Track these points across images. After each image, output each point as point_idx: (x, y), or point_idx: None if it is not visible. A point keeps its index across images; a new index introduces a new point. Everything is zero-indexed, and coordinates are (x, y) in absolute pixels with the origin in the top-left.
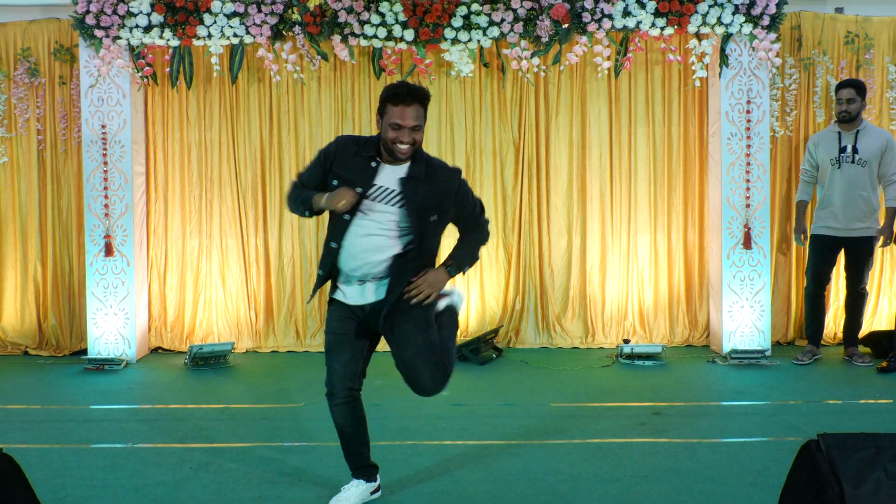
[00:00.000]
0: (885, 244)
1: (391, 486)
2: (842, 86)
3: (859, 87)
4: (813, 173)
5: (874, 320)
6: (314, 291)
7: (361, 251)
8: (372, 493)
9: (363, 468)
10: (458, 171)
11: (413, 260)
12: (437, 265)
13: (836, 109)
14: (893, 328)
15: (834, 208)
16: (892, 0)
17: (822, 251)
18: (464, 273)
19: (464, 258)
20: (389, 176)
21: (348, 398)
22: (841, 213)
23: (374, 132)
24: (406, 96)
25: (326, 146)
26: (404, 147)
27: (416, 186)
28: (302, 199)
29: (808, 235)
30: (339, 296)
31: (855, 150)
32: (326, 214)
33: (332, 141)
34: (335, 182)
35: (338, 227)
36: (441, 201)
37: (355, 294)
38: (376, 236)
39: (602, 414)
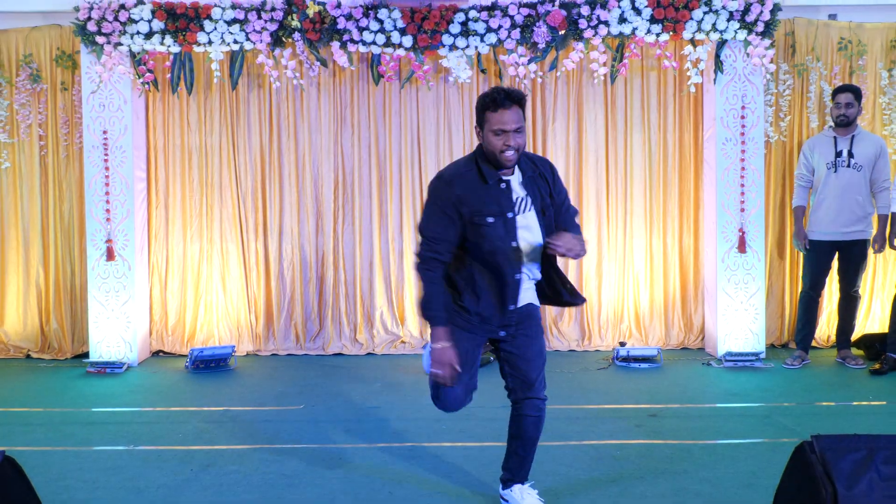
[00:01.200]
0: (879, 250)
1: (391, 486)
2: (840, 90)
3: (857, 93)
4: (809, 177)
5: (867, 323)
6: (505, 329)
7: (530, 264)
8: None
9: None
10: (547, 161)
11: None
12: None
13: (834, 113)
14: (887, 331)
15: (829, 212)
16: (884, 7)
17: (818, 256)
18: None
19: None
20: (516, 184)
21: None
22: (835, 216)
23: (374, 137)
24: (504, 100)
25: (440, 192)
26: (510, 154)
27: (534, 181)
28: (435, 314)
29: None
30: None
31: (851, 155)
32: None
33: (441, 184)
34: (490, 220)
35: (511, 258)
36: (548, 190)
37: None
38: (536, 247)
39: (598, 416)
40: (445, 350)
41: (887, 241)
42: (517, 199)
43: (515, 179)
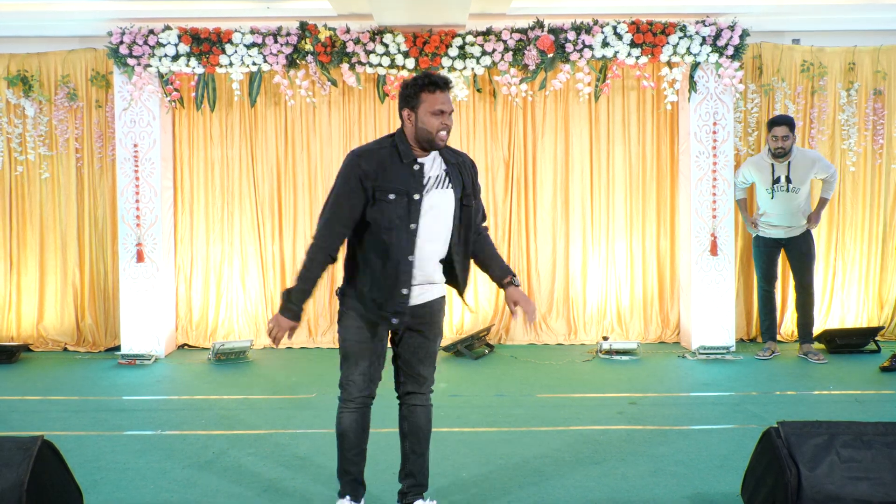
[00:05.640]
0: (811, 226)
1: (394, 468)
2: (776, 123)
3: (791, 124)
4: (746, 184)
5: (827, 319)
6: (398, 317)
7: (428, 255)
8: None
9: (355, 483)
10: (468, 156)
11: (463, 250)
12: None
13: (772, 146)
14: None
15: (771, 220)
16: (843, 33)
17: (766, 251)
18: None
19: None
20: (432, 165)
21: (362, 405)
22: (777, 223)
23: None
24: (443, 84)
25: (352, 168)
26: (445, 133)
27: (458, 168)
28: (296, 308)
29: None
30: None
31: (788, 180)
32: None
33: (351, 157)
34: (391, 196)
35: (405, 240)
36: (470, 181)
37: (415, 297)
38: (441, 231)
39: (583, 404)
40: (282, 318)
41: (811, 221)
42: (428, 179)
43: (430, 162)
